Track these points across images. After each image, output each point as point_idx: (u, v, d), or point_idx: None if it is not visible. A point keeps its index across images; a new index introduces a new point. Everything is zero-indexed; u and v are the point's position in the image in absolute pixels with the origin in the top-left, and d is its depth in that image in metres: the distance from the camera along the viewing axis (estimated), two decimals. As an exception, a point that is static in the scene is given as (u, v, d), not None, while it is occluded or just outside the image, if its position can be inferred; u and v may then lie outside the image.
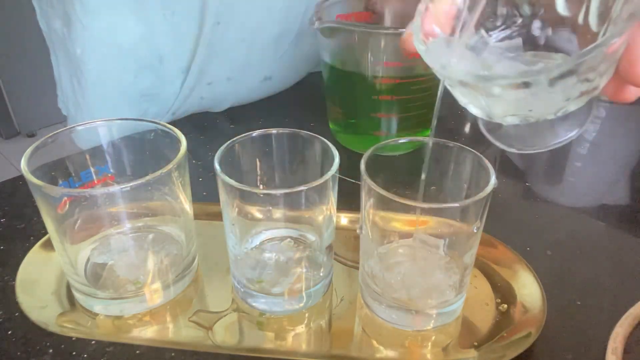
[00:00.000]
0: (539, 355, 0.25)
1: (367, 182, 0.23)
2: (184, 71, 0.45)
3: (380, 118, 0.39)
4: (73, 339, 0.25)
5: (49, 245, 0.30)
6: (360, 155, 0.25)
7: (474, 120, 0.51)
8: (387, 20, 0.43)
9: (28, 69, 1.36)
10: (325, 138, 0.27)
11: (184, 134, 0.27)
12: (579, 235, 0.34)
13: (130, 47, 0.42)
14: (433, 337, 0.26)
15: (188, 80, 0.46)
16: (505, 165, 0.43)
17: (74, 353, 0.25)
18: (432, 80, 0.38)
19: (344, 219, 0.33)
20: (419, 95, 0.37)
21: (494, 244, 0.31)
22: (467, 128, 0.50)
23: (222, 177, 0.24)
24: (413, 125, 0.40)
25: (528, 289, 0.28)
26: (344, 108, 0.40)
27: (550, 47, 0.22)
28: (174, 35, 0.43)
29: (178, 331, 0.26)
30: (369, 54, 0.36)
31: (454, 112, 0.51)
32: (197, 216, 0.32)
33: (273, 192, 0.25)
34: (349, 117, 0.41)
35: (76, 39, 0.41)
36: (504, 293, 0.28)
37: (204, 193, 0.37)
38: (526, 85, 0.17)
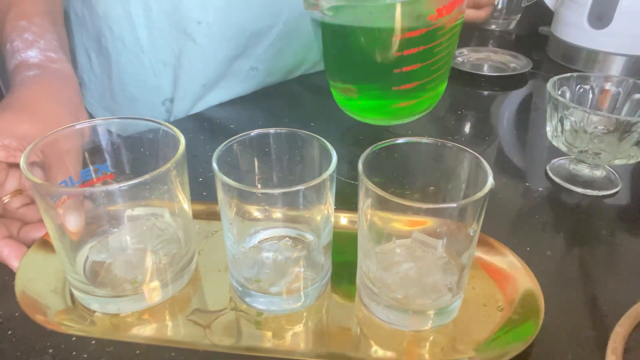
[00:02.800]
0: (539, 355, 0.25)
1: (364, 183, 0.23)
2: (165, 64, 0.49)
3: (402, 89, 0.36)
4: (73, 338, 0.25)
5: (48, 244, 0.30)
6: (358, 156, 0.25)
7: (474, 120, 0.51)
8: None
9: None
10: (325, 138, 0.27)
11: (184, 134, 0.27)
12: (579, 235, 0.34)
13: (120, 34, 0.47)
14: (431, 338, 0.26)
15: (182, 79, 0.49)
16: (505, 165, 0.43)
17: (74, 353, 0.25)
18: (452, 29, 0.35)
19: (343, 218, 0.33)
20: (442, 54, 0.35)
21: (492, 245, 0.31)
22: (467, 128, 0.50)
23: (220, 177, 0.24)
24: (433, 87, 0.37)
25: (526, 290, 0.27)
26: (361, 89, 0.38)
27: None
28: (153, 30, 0.47)
29: (176, 330, 0.26)
30: (388, 29, 0.33)
31: (454, 112, 0.51)
32: (196, 215, 0.32)
33: (271, 191, 0.25)
34: (367, 97, 0.38)
35: (92, 19, 0.48)
36: (502, 293, 0.28)
37: (204, 193, 0.37)
38: None
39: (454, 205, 0.23)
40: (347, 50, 0.36)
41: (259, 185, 0.29)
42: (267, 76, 0.54)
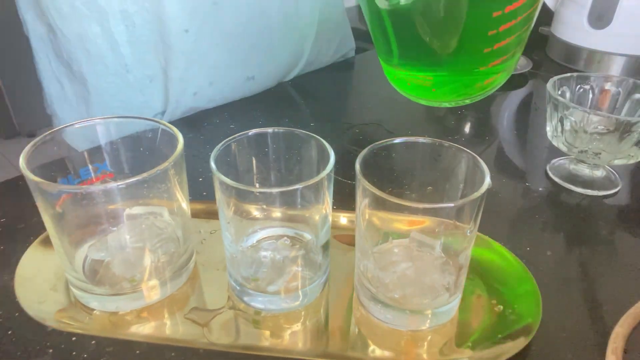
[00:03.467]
0: (539, 355, 0.25)
1: (362, 182, 0.23)
2: (152, 79, 0.47)
3: (489, 67, 0.31)
4: (73, 338, 0.25)
5: (48, 242, 0.30)
6: (356, 155, 0.25)
7: (474, 120, 0.51)
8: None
9: (28, 69, 1.37)
10: (324, 137, 0.27)
11: (183, 133, 0.27)
12: (579, 235, 0.34)
13: (99, 55, 0.44)
14: (428, 338, 0.26)
15: (173, 91, 0.48)
16: (505, 165, 0.43)
17: (74, 353, 0.25)
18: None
19: (342, 218, 0.33)
20: (534, 17, 0.30)
21: (490, 244, 0.31)
22: (467, 128, 0.50)
23: (218, 176, 0.24)
24: (516, 54, 0.33)
25: (524, 289, 0.27)
26: (438, 77, 0.32)
27: None
28: (137, 45, 0.45)
29: (174, 328, 0.26)
30: (485, 6, 0.28)
31: (454, 112, 0.51)
32: (195, 214, 0.32)
33: (269, 190, 0.25)
34: (445, 83, 0.33)
35: (60, 44, 0.44)
36: (500, 293, 0.28)
37: (204, 193, 0.37)
38: None
39: (452, 205, 0.22)
40: (426, 36, 0.30)
41: (257, 185, 0.29)
42: (263, 83, 0.53)
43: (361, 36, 0.64)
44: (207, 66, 0.48)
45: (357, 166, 0.24)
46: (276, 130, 0.28)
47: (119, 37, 0.43)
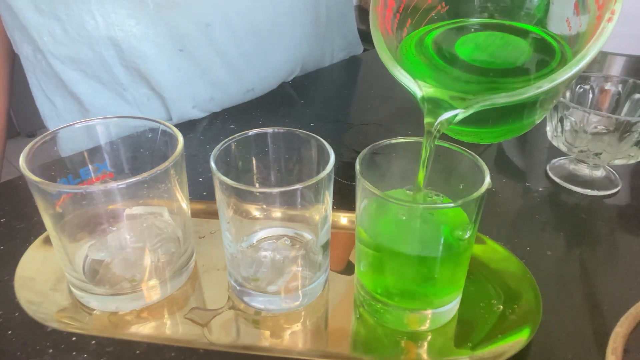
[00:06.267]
0: (539, 355, 0.25)
1: (361, 182, 0.23)
2: (149, 97, 0.47)
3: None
4: (73, 338, 0.25)
5: (48, 242, 0.30)
6: (356, 156, 0.25)
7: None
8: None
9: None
10: (324, 138, 0.27)
11: (183, 133, 0.27)
12: (579, 235, 0.34)
13: (94, 75, 0.44)
14: (429, 337, 0.26)
15: (172, 108, 0.48)
16: (505, 165, 0.43)
17: (74, 353, 0.25)
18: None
19: (342, 218, 0.33)
20: None
21: (490, 245, 0.31)
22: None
23: (218, 176, 0.24)
24: None
25: (523, 289, 0.27)
26: (489, 137, 0.32)
27: None
28: (129, 67, 0.45)
29: (174, 328, 0.26)
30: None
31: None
32: (196, 214, 0.32)
33: (269, 190, 0.25)
34: (495, 137, 0.33)
35: (51, 65, 0.43)
36: (500, 293, 0.28)
37: (204, 193, 0.37)
38: None
39: (451, 205, 0.22)
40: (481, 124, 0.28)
41: (257, 185, 0.29)
42: (264, 91, 0.54)
43: (361, 36, 0.64)
44: (206, 83, 0.48)
45: (357, 166, 0.24)
46: (276, 130, 0.28)
47: (110, 60, 0.43)
